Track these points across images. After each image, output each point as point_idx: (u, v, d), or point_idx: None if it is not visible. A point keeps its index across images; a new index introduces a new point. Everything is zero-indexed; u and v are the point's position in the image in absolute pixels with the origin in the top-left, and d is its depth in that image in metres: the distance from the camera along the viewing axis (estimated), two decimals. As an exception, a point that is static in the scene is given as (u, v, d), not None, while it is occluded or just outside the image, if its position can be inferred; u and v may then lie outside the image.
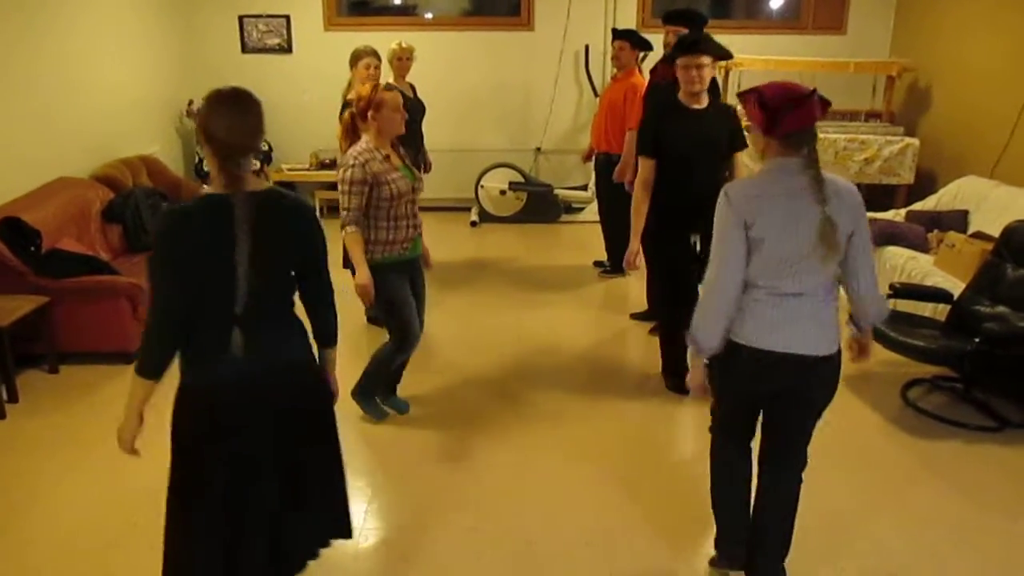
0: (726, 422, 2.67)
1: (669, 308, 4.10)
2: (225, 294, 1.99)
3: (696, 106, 3.80)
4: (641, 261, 3.97)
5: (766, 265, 2.32)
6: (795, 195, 2.29)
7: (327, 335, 2.32)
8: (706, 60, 3.69)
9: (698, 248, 3.92)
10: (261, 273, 2.00)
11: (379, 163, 3.36)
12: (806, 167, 2.31)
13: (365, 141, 3.40)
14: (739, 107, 2.82)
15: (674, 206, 3.85)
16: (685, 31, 4.54)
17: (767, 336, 2.35)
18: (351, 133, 3.52)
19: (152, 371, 2.04)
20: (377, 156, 3.37)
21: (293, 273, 2.16)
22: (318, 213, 7.45)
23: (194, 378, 2.07)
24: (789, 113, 2.28)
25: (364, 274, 3.36)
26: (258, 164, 7.42)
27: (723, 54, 3.81)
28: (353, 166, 3.30)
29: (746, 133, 3.33)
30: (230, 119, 1.97)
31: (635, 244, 3.93)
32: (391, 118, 3.38)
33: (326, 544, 2.37)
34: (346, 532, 2.41)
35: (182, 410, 2.10)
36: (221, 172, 1.98)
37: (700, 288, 2.55)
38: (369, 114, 3.39)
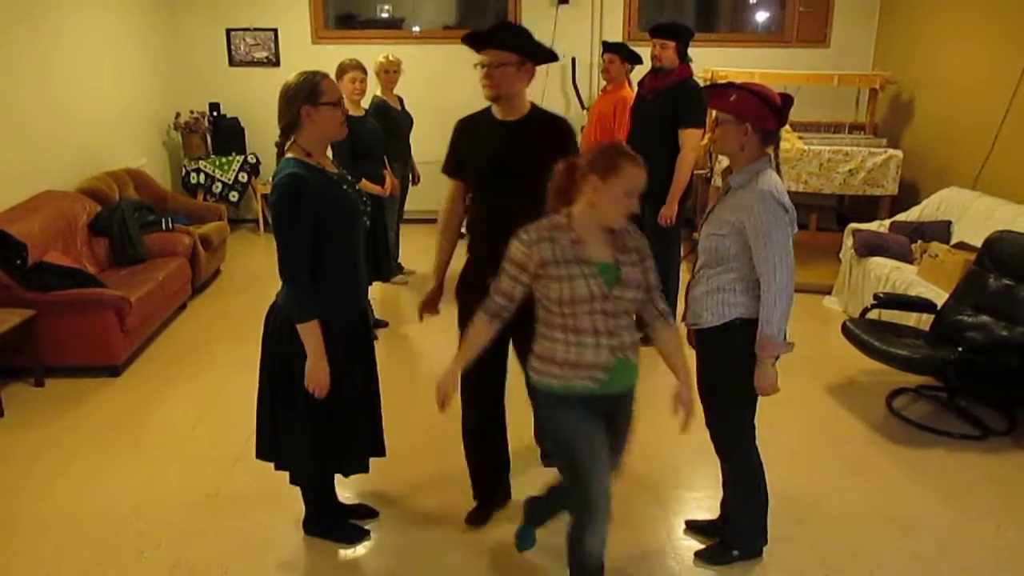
0: (750, 423, 2.72)
1: (474, 400, 3.10)
2: None
3: (504, 117, 2.83)
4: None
5: None
6: None
7: None
8: (506, 57, 2.70)
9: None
10: None
11: (561, 247, 2.26)
12: (772, 166, 2.51)
13: (566, 214, 2.32)
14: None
15: (474, 242, 2.95)
16: (672, 43, 4.59)
17: None
18: (564, 193, 2.36)
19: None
20: (566, 238, 2.28)
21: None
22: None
23: None
24: (786, 111, 2.43)
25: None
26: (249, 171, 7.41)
27: (529, 50, 2.76)
28: (520, 239, 2.30)
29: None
30: None
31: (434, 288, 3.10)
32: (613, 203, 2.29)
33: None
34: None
35: None
36: None
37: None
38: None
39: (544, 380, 2.32)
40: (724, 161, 6.15)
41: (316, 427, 2.69)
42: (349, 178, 2.74)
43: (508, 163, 2.75)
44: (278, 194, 2.48)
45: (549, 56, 2.80)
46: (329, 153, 2.83)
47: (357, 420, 2.79)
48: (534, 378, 2.36)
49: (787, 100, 2.50)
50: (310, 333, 2.52)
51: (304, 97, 2.51)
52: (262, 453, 2.84)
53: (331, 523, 3.04)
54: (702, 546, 2.97)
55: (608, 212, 2.25)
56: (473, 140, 2.88)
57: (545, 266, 2.24)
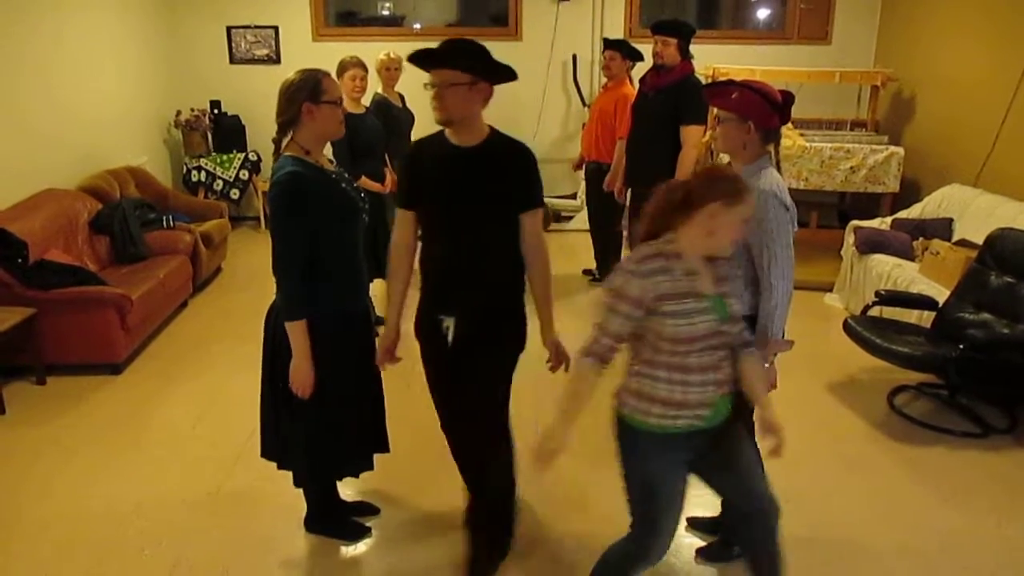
0: (748, 420, 2.72)
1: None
2: None
3: (460, 143, 2.51)
4: None
5: None
6: None
7: None
8: (457, 77, 2.41)
9: (450, 337, 2.60)
10: None
11: (677, 280, 2.07)
12: (773, 164, 2.51)
13: (669, 241, 2.11)
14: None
15: (426, 284, 2.69)
16: (673, 40, 4.58)
17: None
18: (668, 218, 2.13)
19: None
20: (680, 269, 2.08)
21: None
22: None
23: None
24: (788, 109, 2.42)
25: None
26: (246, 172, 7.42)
27: (482, 69, 2.45)
28: (631, 271, 2.09)
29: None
30: None
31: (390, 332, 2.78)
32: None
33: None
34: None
35: None
36: None
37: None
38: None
39: (639, 418, 2.15)
40: (724, 158, 6.14)
41: (318, 427, 2.69)
42: (347, 176, 2.73)
43: (463, 195, 2.49)
44: (277, 191, 2.47)
45: (506, 75, 2.50)
46: (328, 151, 2.82)
47: (361, 419, 2.79)
48: (625, 412, 2.19)
49: (788, 98, 2.50)
50: (297, 332, 2.51)
51: (306, 95, 2.50)
52: (266, 452, 2.85)
53: (333, 521, 3.04)
54: (703, 543, 2.98)
55: (725, 240, 2.08)
56: (425, 168, 2.57)
57: (661, 301, 2.03)
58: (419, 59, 2.47)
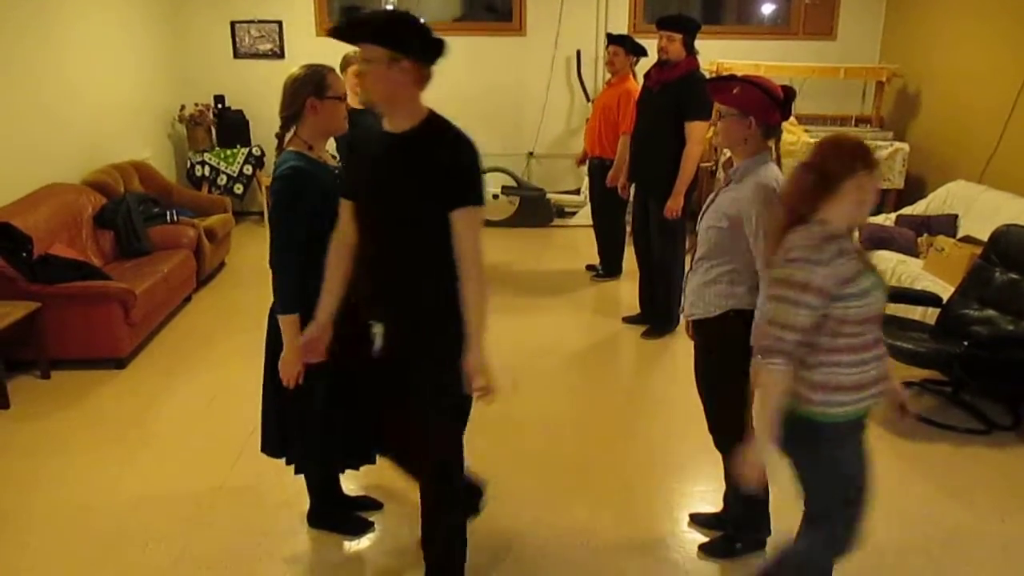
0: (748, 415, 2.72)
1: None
2: None
3: (391, 128, 2.26)
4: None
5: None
6: None
7: None
8: (373, 52, 2.15)
9: (377, 344, 2.41)
10: None
11: (852, 260, 2.02)
12: (773, 159, 2.51)
13: (821, 221, 2.04)
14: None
15: (355, 282, 2.49)
16: (678, 36, 4.57)
17: None
18: (813, 199, 2.04)
19: None
20: (850, 248, 2.04)
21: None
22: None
23: None
24: (789, 104, 2.42)
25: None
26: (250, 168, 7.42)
27: (401, 44, 2.15)
28: (814, 261, 1.99)
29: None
30: None
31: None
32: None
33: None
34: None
35: None
36: None
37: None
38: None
39: (831, 411, 2.06)
40: (727, 153, 6.13)
41: (314, 420, 2.70)
42: None
43: (386, 187, 2.25)
44: (279, 186, 2.47)
45: (432, 50, 2.21)
46: (331, 147, 2.82)
47: (364, 414, 2.80)
48: (815, 409, 2.07)
49: (790, 93, 2.50)
50: (289, 326, 2.51)
51: (311, 90, 2.51)
52: (266, 447, 2.85)
53: (335, 516, 3.05)
54: (706, 539, 2.98)
55: (870, 207, 2.05)
56: (359, 154, 2.38)
57: (846, 284, 1.98)
58: (336, 32, 2.23)
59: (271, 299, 2.68)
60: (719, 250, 2.56)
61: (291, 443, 2.79)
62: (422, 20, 2.23)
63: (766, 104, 2.45)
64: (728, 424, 2.73)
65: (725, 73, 6.64)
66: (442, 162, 2.20)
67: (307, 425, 2.72)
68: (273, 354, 2.66)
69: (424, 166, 2.20)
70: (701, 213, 2.68)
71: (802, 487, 2.23)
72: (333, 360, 2.60)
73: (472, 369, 2.23)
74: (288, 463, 2.85)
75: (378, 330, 2.42)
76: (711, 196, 2.67)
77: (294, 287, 2.51)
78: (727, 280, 2.56)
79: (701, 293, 2.63)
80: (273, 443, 2.83)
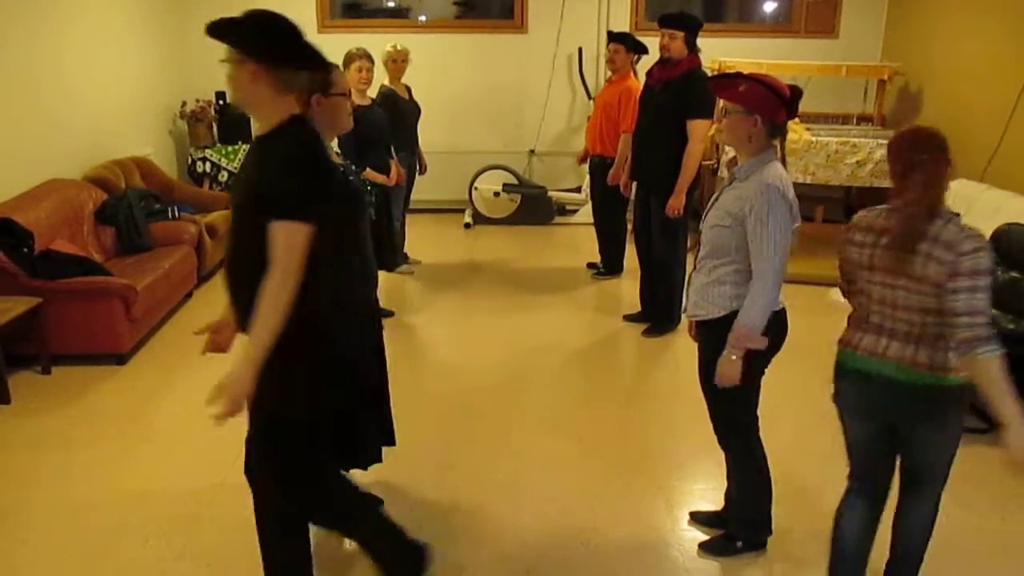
0: (752, 415, 2.72)
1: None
2: None
3: (256, 131, 2.33)
4: None
5: None
6: None
7: None
8: (230, 54, 2.23)
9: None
10: None
11: None
12: (777, 157, 2.50)
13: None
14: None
15: None
16: (680, 34, 4.56)
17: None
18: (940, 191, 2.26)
19: None
20: None
21: None
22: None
23: None
24: (796, 103, 2.42)
25: None
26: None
27: (246, 44, 2.24)
28: (987, 247, 2.20)
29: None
30: None
31: None
32: None
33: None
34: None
35: None
36: None
37: (750, 282, 2.48)
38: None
39: (960, 376, 2.20)
40: (730, 152, 6.13)
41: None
42: (354, 168, 2.73)
43: (234, 188, 2.26)
44: None
45: (289, 55, 2.17)
46: (334, 144, 2.82)
47: (368, 413, 2.80)
48: (961, 377, 2.20)
49: (796, 92, 2.49)
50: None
51: (316, 87, 2.50)
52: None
53: None
54: (706, 537, 2.98)
55: None
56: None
57: None
58: (208, 30, 2.22)
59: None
60: (723, 249, 2.55)
61: None
62: (294, 22, 2.20)
63: (772, 102, 2.44)
64: (731, 423, 2.74)
65: (728, 71, 6.64)
66: (268, 169, 2.08)
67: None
68: None
69: (257, 172, 2.14)
70: (705, 212, 2.67)
71: (926, 458, 2.41)
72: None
73: (223, 384, 2.15)
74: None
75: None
76: (715, 195, 2.67)
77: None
78: (732, 280, 2.55)
79: (706, 293, 2.62)
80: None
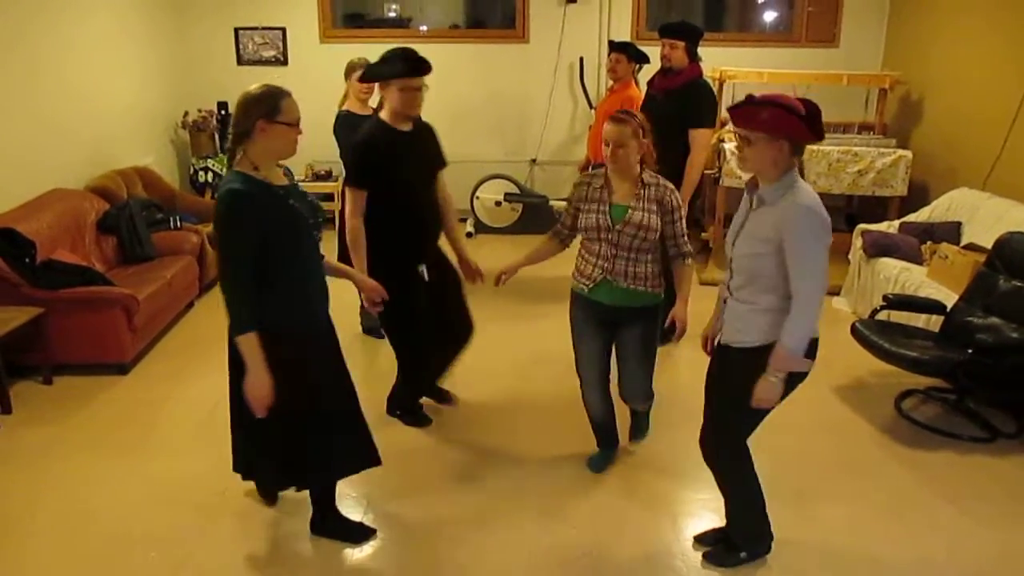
0: (752, 431, 2.71)
1: (412, 344, 3.69)
2: None
3: (406, 128, 3.48)
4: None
5: None
6: None
7: None
8: (424, 82, 3.44)
9: (425, 275, 3.60)
10: None
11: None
12: (800, 175, 2.47)
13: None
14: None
15: (403, 236, 3.50)
16: (681, 43, 4.57)
17: None
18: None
19: None
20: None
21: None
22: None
23: None
24: (819, 121, 2.39)
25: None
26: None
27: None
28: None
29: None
30: None
31: (368, 281, 3.26)
32: None
33: None
34: None
35: None
36: None
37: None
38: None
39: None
40: (732, 162, 6.13)
41: (289, 439, 2.71)
42: (302, 191, 2.69)
43: None
44: (219, 210, 2.46)
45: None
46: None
47: (334, 428, 2.79)
48: None
49: (814, 108, 2.41)
50: (248, 346, 2.48)
51: (263, 111, 2.47)
52: (237, 466, 2.91)
53: (338, 523, 3.04)
54: (708, 548, 2.97)
55: None
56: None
57: None
58: (410, 67, 3.39)
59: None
60: (762, 277, 2.50)
61: (264, 460, 2.83)
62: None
63: (799, 127, 2.37)
64: (733, 441, 2.72)
65: (728, 80, 6.65)
66: (437, 141, 3.71)
67: (294, 440, 2.72)
68: (238, 374, 2.61)
69: (435, 145, 3.69)
70: (731, 238, 2.62)
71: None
72: (292, 383, 2.58)
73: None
74: (246, 478, 2.94)
75: (423, 268, 3.55)
76: (739, 221, 2.61)
77: (244, 308, 2.48)
78: (777, 307, 2.50)
79: (748, 320, 2.57)
80: (242, 463, 2.94)
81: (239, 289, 2.48)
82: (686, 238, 3.22)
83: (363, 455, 2.92)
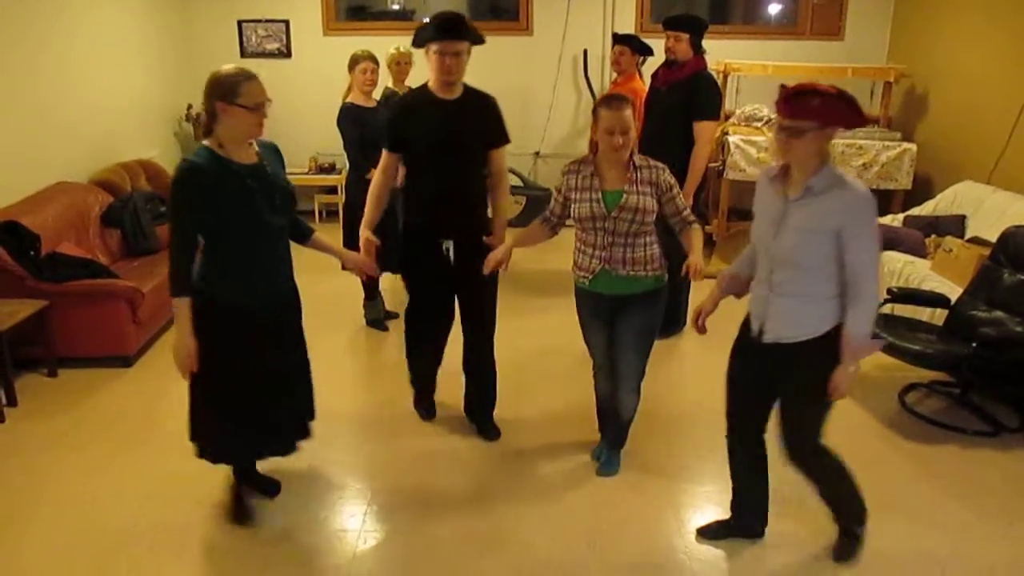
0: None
1: (417, 321, 3.66)
2: None
3: (447, 96, 3.37)
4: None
5: None
6: None
7: None
8: (464, 47, 3.31)
9: (451, 255, 3.42)
10: None
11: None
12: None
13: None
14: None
15: (423, 208, 3.44)
16: (685, 36, 4.55)
17: None
18: None
19: None
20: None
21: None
22: (316, 217, 7.47)
23: None
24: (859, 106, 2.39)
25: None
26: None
27: (479, 40, 3.47)
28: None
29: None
30: None
31: (349, 254, 3.33)
32: None
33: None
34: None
35: None
36: None
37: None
38: None
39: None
40: (736, 155, 6.12)
41: (220, 409, 2.84)
42: (270, 173, 2.71)
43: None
44: (173, 179, 2.58)
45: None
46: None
47: (267, 403, 2.87)
48: None
49: (848, 94, 2.38)
50: (179, 309, 2.63)
51: (220, 93, 2.56)
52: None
53: (236, 501, 3.13)
54: (715, 548, 2.95)
55: None
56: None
57: None
58: (442, 31, 3.30)
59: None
60: (815, 268, 2.46)
61: (206, 433, 2.92)
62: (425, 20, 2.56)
63: (850, 113, 2.35)
64: (817, 434, 2.68)
65: (733, 73, 6.63)
66: (491, 115, 3.59)
67: (220, 416, 2.84)
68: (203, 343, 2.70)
69: (482, 119, 3.53)
70: (766, 233, 2.55)
71: None
72: (223, 356, 2.71)
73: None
74: (201, 455, 2.98)
75: (448, 245, 3.40)
76: (771, 215, 2.54)
77: (180, 273, 2.60)
78: (830, 295, 2.48)
79: (804, 313, 2.52)
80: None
81: (177, 254, 2.61)
82: (689, 210, 3.15)
83: (264, 442, 2.98)
